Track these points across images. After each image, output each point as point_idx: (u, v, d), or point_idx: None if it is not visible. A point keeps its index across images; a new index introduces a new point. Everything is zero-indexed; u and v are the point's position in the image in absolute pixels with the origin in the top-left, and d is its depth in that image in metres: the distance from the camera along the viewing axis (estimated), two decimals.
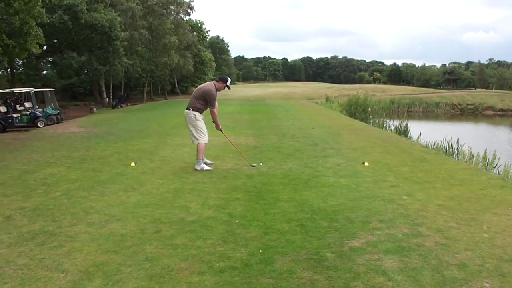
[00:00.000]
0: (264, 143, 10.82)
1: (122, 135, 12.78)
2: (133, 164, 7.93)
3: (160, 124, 16.28)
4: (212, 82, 7.63)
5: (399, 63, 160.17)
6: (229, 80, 7.60)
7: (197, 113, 7.46)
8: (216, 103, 7.56)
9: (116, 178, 6.86)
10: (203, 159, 7.70)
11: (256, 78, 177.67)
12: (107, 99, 36.58)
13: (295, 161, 8.26)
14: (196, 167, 7.47)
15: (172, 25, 42.18)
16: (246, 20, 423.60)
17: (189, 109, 7.49)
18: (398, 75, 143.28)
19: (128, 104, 36.84)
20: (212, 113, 7.48)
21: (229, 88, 7.62)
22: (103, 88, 36.36)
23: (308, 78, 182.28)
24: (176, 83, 61.28)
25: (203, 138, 7.49)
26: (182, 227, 4.60)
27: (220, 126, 7.73)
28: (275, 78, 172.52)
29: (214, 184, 6.47)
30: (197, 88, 7.73)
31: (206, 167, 7.48)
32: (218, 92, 7.56)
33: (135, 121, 18.13)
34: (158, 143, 10.89)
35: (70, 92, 44.53)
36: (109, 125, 16.30)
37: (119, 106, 32.58)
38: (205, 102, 7.45)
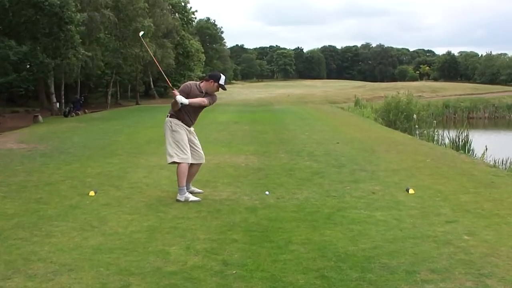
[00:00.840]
0: (271, 164, 10.79)
1: (78, 154, 12.80)
2: (92, 193, 7.92)
3: (130, 138, 16.32)
4: (197, 82, 7.72)
5: (455, 51, 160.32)
6: (223, 77, 7.61)
7: (174, 120, 7.49)
8: (207, 101, 7.49)
9: (68, 213, 6.84)
10: (188, 187, 7.68)
11: (260, 76, 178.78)
12: (58, 104, 36.72)
13: (313, 189, 8.24)
14: (178, 197, 7.46)
15: (146, 4, 42.74)
16: None
17: (167, 116, 7.60)
18: (454, 68, 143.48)
19: (87, 111, 37.06)
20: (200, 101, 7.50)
21: (223, 88, 7.64)
22: (52, 89, 36.45)
23: (331, 75, 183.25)
24: (151, 83, 61.63)
25: (182, 156, 7.45)
26: (159, 281, 4.57)
27: (178, 98, 7.32)
28: (286, 75, 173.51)
29: (203, 220, 6.45)
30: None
31: (192, 198, 7.47)
32: (208, 94, 7.58)
33: (96, 134, 18.19)
34: (127, 165, 10.88)
35: (6, 94, 44.63)
36: (60, 140, 16.35)
37: (73, 114, 32.77)
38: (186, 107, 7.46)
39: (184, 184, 7.51)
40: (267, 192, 7.89)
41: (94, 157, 12.15)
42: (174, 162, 7.50)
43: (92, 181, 9.05)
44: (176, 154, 7.43)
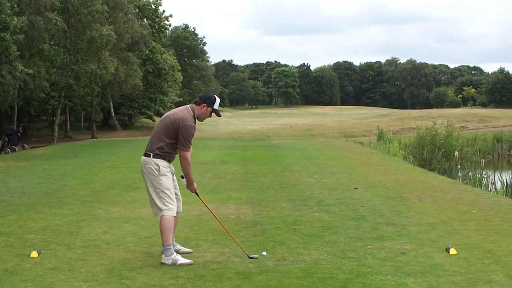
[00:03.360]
0: (269, 216, 10.85)
1: (15, 202, 12.80)
2: (34, 254, 7.93)
3: (84, 183, 16.35)
4: (187, 106, 7.81)
5: (510, 69, 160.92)
6: (218, 100, 7.79)
7: (161, 162, 7.60)
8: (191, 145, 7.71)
9: (3, 280, 6.85)
10: (173, 245, 7.74)
11: (254, 101, 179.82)
12: None
13: (324, 248, 8.29)
14: (163, 260, 7.52)
15: (105, 7, 42.92)
16: None
17: (148, 155, 7.64)
18: (508, 90, 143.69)
19: (26, 146, 36.96)
20: (183, 160, 7.62)
21: (218, 114, 7.81)
22: None
23: (347, 100, 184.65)
24: (112, 110, 61.75)
25: (170, 207, 7.59)
26: None
27: (195, 185, 7.86)
28: (288, 100, 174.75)
29: None
30: (163, 116, 7.91)
31: (181, 260, 7.51)
32: (198, 122, 7.75)
33: (39, 176, 18.19)
34: (80, 217, 10.90)
35: None
36: None
37: (8, 150, 32.65)
38: (175, 141, 7.59)
39: (171, 242, 7.58)
40: (264, 253, 7.92)
41: (36, 206, 12.14)
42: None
43: (34, 238, 9.05)
44: (165, 206, 7.54)
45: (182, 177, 7.78)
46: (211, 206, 9.70)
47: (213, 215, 8.66)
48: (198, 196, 8.12)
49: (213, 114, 7.86)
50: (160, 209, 7.55)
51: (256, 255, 7.84)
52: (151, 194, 7.63)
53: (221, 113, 8.07)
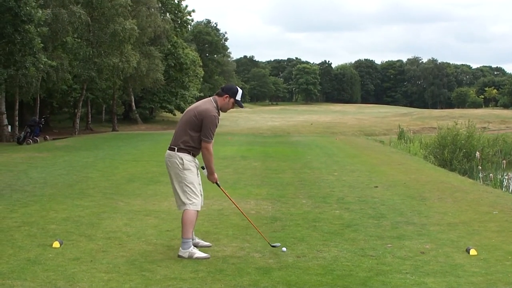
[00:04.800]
0: (289, 212, 10.87)
1: (37, 193, 12.90)
2: (56, 244, 8.00)
3: (105, 175, 16.43)
4: (210, 98, 7.86)
5: None
6: (240, 91, 7.83)
7: (185, 156, 7.63)
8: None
9: (25, 269, 6.91)
10: (192, 238, 7.79)
11: (274, 97, 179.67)
12: (10, 127, 36.94)
13: (344, 246, 8.30)
14: (180, 253, 7.56)
15: (129, 1, 43.09)
16: None
17: (173, 149, 7.67)
18: None
19: (48, 137, 37.12)
20: (205, 151, 7.65)
21: (240, 105, 7.85)
22: (3, 108, 36.74)
23: (368, 98, 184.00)
24: (133, 103, 61.93)
25: (194, 201, 7.63)
26: None
27: (216, 175, 7.90)
28: (309, 97, 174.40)
29: (202, 283, 6.51)
30: (187, 110, 7.93)
31: (198, 253, 7.55)
32: (221, 115, 7.81)
33: (61, 168, 18.32)
34: (101, 209, 10.98)
35: None
36: (13, 174, 16.49)
37: (30, 141, 32.80)
38: (199, 134, 7.62)
39: (190, 235, 7.63)
40: (284, 249, 7.93)
41: (58, 197, 12.25)
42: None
43: (56, 228, 9.13)
44: (189, 200, 7.58)
45: (203, 167, 7.82)
46: (231, 202, 9.72)
47: (235, 206, 8.67)
48: (219, 186, 8.14)
49: (236, 106, 7.89)
50: (184, 203, 7.59)
51: (279, 244, 7.92)
52: (176, 187, 7.67)
53: (238, 110, 8.11)
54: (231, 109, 8.06)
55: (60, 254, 7.59)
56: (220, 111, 7.75)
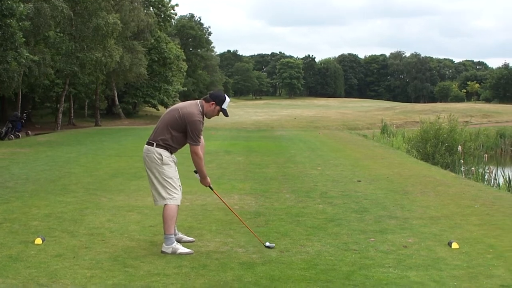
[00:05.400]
0: (272, 207, 10.88)
1: (19, 189, 12.85)
2: (39, 241, 7.97)
3: (88, 170, 16.40)
4: (197, 101, 7.83)
5: None
6: (227, 100, 7.83)
7: (164, 152, 7.62)
8: (202, 138, 7.77)
9: (7, 266, 6.89)
10: (175, 233, 7.79)
11: (258, 92, 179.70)
12: None
13: (327, 240, 8.33)
14: (163, 249, 7.56)
15: None
16: None
17: (151, 144, 7.66)
18: (511, 85, 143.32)
19: (30, 132, 37.02)
20: (194, 156, 7.65)
21: (225, 114, 7.85)
22: None
23: (351, 92, 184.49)
24: (116, 98, 61.79)
25: (174, 196, 7.62)
26: None
27: (209, 179, 7.92)
28: (292, 92, 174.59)
29: (185, 278, 6.51)
30: (171, 108, 7.93)
31: (181, 249, 7.56)
32: (205, 119, 7.78)
33: (43, 163, 18.24)
34: (84, 205, 10.94)
35: None
36: None
37: (12, 136, 32.69)
38: (181, 135, 7.64)
39: (173, 231, 7.63)
40: (267, 243, 7.96)
41: (40, 193, 12.20)
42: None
43: (38, 225, 9.10)
44: (169, 195, 7.56)
45: (195, 171, 7.83)
46: (214, 197, 9.75)
47: (229, 208, 8.62)
48: (213, 190, 8.16)
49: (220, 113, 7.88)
50: (164, 198, 7.57)
51: (273, 244, 7.92)
52: (154, 183, 7.64)
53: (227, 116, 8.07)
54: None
55: (42, 251, 7.56)
56: (204, 116, 7.74)
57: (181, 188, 7.88)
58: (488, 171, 22.13)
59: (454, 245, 7.90)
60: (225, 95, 7.83)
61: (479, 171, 22.04)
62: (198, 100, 7.83)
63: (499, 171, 22.42)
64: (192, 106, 7.68)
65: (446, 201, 11.71)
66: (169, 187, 7.58)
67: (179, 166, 7.95)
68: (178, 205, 7.67)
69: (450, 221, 9.73)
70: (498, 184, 19.96)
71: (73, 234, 8.54)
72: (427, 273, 6.77)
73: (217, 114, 7.83)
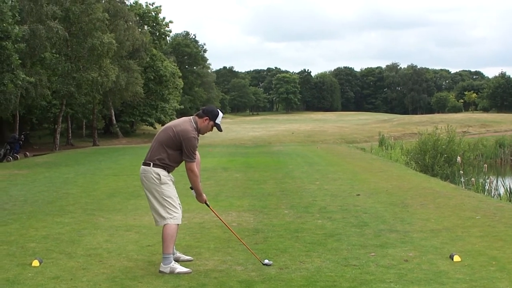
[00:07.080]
0: (271, 223, 10.83)
1: (17, 211, 12.80)
2: (36, 263, 7.92)
3: (85, 191, 16.34)
4: (190, 118, 7.81)
5: (511, 73, 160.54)
6: (221, 115, 7.81)
7: (161, 172, 7.59)
8: (198, 154, 7.74)
9: None
10: (174, 253, 7.73)
11: (255, 107, 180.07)
12: None
13: (327, 256, 8.27)
14: (161, 268, 7.51)
15: (106, 14, 43.17)
16: (237, 4, 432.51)
17: (148, 165, 7.63)
18: (510, 95, 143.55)
19: (28, 154, 37.04)
20: (190, 173, 7.63)
21: (219, 129, 7.81)
22: None
23: (348, 105, 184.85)
24: (113, 117, 61.89)
25: (174, 215, 7.58)
26: None
27: (205, 196, 7.89)
28: (289, 106, 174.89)
29: None
30: (165, 127, 7.88)
31: (180, 268, 7.51)
32: (200, 135, 7.76)
33: (41, 184, 18.20)
34: (82, 225, 10.90)
35: None
36: None
37: (10, 158, 32.72)
38: (177, 152, 7.61)
39: (171, 250, 7.58)
40: (266, 261, 7.89)
41: (38, 215, 12.15)
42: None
43: (36, 247, 9.05)
44: (169, 215, 7.52)
45: (191, 188, 7.79)
46: (212, 214, 9.70)
47: (226, 225, 8.61)
48: (209, 206, 8.13)
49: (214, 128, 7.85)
50: (164, 218, 7.53)
51: (271, 262, 7.85)
52: (153, 203, 7.60)
53: (222, 123, 8.02)
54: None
55: (39, 273, 7.51)
56: (199, 132, 7.70)
57: (181, 206, 7.84)
58: (488, 181, 22.06)
59: (456, 258, 7.85)
60: (218, 109, 7.80)
61: (479, 181, 21.97)
62: (191, 117, 7.81)
63: (499, 181, 22.36)
64: (186, 123, 7.65)
65: (446, 213, 11.67)
66: (169, 206, 7.54)
67: (176, 184, 7.91)
68: (178, 224, 7.63)
69: (451, 233, 9.69)
70: (499, 194, 19.90)
71: (71, 255, 8.49)
72: (429, 287, 6.72)
73: (211, 130, 7.80)
